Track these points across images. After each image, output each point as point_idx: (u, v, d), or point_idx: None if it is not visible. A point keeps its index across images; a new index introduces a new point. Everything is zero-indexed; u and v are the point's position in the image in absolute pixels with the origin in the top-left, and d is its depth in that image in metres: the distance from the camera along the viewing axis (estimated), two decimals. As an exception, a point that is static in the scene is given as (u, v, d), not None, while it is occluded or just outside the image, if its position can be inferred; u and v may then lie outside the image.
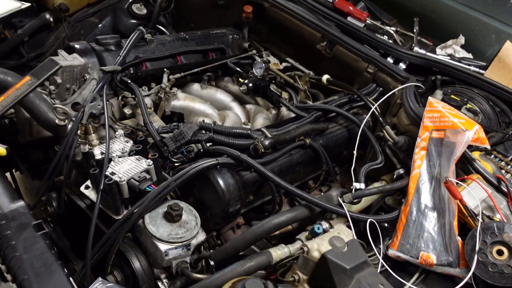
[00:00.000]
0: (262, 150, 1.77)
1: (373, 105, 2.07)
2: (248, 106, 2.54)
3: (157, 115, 2.23)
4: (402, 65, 2.46)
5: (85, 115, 1.86)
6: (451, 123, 1.71)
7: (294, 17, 2.62)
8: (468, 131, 1.66)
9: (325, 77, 2.45)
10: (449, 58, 2.48)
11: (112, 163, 1.67)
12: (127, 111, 2.12)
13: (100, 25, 2.87)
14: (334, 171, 2.31)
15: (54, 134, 1.90)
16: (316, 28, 2.55)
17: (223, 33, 2.81)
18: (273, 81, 2.59)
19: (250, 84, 2.41)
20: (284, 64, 2.67)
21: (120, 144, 1.80)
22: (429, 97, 1.85)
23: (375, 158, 2.09)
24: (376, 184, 1.95)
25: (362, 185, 1.76)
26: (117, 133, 1.85)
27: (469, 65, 2.45)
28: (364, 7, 2.76)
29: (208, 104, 2.40)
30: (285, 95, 2.62)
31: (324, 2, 2.73)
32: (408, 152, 1.93)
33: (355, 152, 1.96)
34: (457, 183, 1.64)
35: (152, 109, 2.15)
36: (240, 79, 2.54)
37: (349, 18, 2.63)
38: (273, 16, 2.74)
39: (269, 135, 1.87)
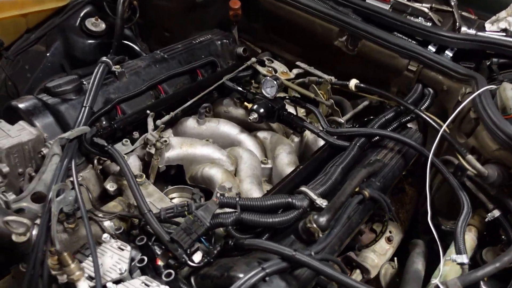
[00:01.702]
0: (320, 234, 1.24)
1: (441, 126, 1.53)
2: (261, 135, 1.98)
3: (151, 179, 1.66)
4: (449, 53, 1.93)
5: (53, 218, 1.28)
6: None
7: (300, 9, 2.03)
8: None
9: (353, 83, 1.90)
10: (504, 35, 1.95)
11: (109, 298, 1.13)
12: (111, 187, 1.54)
13: (48, 54, 2.21)
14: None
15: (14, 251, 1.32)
16: (331, 20, 1.97)
17: (209, 40, 2.20)
18: (286, 97, 2.01)
19: (261, 110, 1.84)
20: (295, 70, 2.09)
21: (114, 255, 1.24)
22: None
23: (445, 190, 1.61)
24: (469, 238, 1.45)
25: (465, 258, 1.25)
26: (104, 236, 1.29)
27: (532, 39, 1.92)
28: (381, -20, 2.17)
29: (212, 145, 1.83)
30: (301, 111, 2.07)
31: (333, -18, 2.13)
32: (503, 186, 1.43)
33: (428, 199, 1.44)
34: None
35: (144, 176, 1.57)
36: (245, 102, 1.97)
37: (368, 0, 2.05)
38: (270, 9, 2.14)
39: (318, 201, 1.33)
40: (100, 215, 1.43)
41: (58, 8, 2.18)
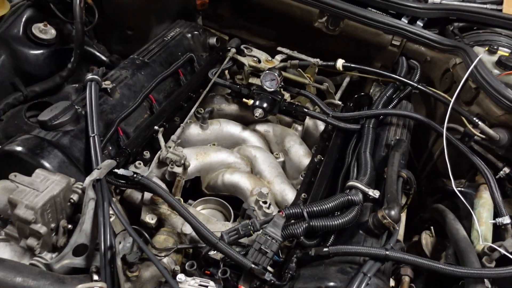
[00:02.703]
0: (396, 227, 1.30)
1: (449, 101, 1.65)
2: (262, 128, 1.93)
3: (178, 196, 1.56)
4: (420, 23, 2.05)
5: (120, 273, 1.17)
6: None
7: (276, -6, 1.98)
8: None
9: (340, 63, 1.94)
10: (462, 0, 2.12)
11: None
12: (151, 219, 1.41)
13: (-7, 73, 1.87)
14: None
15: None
16: (310, 2, 1.95)
17: (180, 34, 2.04)
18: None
19: (265, 105, 1.80)
20: (278, 57, 2.05)
21: (200, 296, 1.17)
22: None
23: (448, 153, 1.76)
24: (487, 196, 1.61)
25: (508, 219, 1.42)
26: (179, 277, 1.20)
27: (484, 3, 2.12)
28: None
29: (224, 149, 1.77)
30: (286, 96, 2.06)
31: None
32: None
33: (449, 168, 1.57)
34: None
35: (182, 200, 1.47)
36: (243, 98, 1.89)
37: (339, -22, 2.06)
38: (241, -4, 2.05)
39: (370, 192, 1.37)
40: (155, 252, 1.32)
41: (-4, 18, 1.83)
